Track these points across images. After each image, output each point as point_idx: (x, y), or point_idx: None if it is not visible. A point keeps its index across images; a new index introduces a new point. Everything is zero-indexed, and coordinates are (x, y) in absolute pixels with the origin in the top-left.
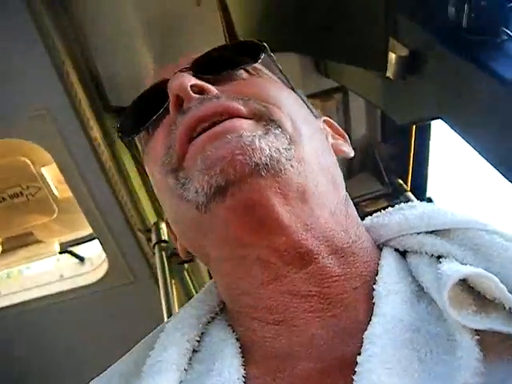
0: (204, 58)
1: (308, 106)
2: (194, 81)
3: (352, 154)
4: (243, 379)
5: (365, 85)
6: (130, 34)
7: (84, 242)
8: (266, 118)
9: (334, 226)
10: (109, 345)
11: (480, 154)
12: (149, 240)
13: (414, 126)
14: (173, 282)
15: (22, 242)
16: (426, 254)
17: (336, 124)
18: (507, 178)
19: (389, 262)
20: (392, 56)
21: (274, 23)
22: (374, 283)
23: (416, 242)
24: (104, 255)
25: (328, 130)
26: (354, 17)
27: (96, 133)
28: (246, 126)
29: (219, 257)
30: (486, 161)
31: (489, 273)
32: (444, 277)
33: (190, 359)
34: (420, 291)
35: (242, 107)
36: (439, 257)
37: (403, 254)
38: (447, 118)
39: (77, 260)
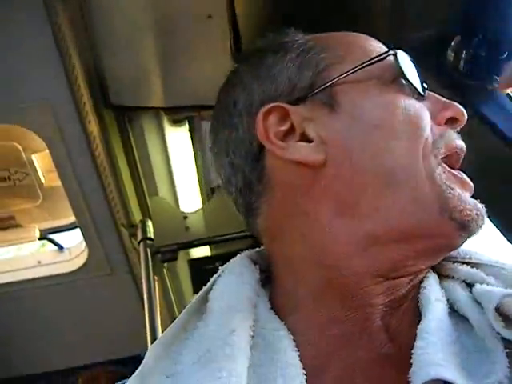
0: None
1: None
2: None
3: None
4: (300, 360)
5: None
6: (139, 34)
7: (64, 231)
8: None
9: None
10: (82, 333)
11: None
12: (132, 236)
13: None
14: (155, 278)
15: (2, 224)
16: (458, 279)
17: None
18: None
19: (432, 275)
20: None
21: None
22: (418, 292)
23: (451, 268)
24: (84, 245)
25: None
26: None
27: (93, 127)
28: None
29: (371, 231)
30: None
31: None
32: (487, 294)
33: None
34: (451, 308)
35: None
36: (469, 285)
37: None
38: None
39: (56, 248)
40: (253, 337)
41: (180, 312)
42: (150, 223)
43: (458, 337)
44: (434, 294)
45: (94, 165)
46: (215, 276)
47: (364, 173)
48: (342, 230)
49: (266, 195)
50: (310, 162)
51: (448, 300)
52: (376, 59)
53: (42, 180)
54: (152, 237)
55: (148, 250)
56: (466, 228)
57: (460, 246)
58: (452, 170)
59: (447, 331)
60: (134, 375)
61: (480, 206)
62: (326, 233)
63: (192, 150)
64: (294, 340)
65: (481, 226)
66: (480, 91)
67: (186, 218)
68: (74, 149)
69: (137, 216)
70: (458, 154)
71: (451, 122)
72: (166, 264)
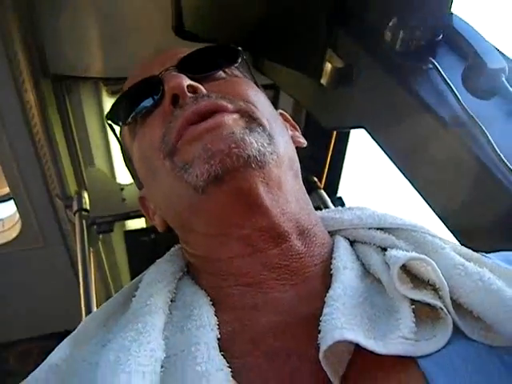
0: (189, 58)
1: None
2: (189, 81)
3: (305, 144)
4: (217, 324)
5: (297, 88)
6: (77, 4)
7: None
8: (247, 116)
9: (300, 210)
10: (15, 307)
11: (392, 161)
12: (67, 207)
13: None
14: (90, 250)
15: None
16: (374, 244)
17: (289, 116)
18: (412, 184)
19: (343, 246)
20: (328, 66)
21: (219, 16)
22: (330, 263)
23: (366, 234)
24: (17, 217)
25: (285, 122)
26: (297, 23)
27: (30, 96)
28: (232, 122)
29: (205, 232)
30: (397, 168)
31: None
32: (394, 258)
33: (169, 307)
34: (366, 272)
35: (229, 105)
36: (384, 249)
37: (350, 243)
38: (369, 128)
39: None
40: (174, 301)
41: (114, 285)
42: (85, 195)
43: (369, 298)
44: (342, 263)
45: (30, 135)
46: (152, 265)
47: (166, 212)
48: (191, 242)
49: None
50: (163, 229)
51: (364, 264)
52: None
53: None
54: (88, 208)
55: (83, 222)
56: (221, 177)
57: (251, 179)
58: (188, 131)
59: (355, 295)
60: (66, 338)
61: (220, 143)
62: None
63: None
64: (212, 304)
65: (231, 154)
66: (415, 72)
67: (122, 189)
68: (8, 118)
69: (72, 187)
70: (192, 116)
71: (175, 100)
72: (101, 236)
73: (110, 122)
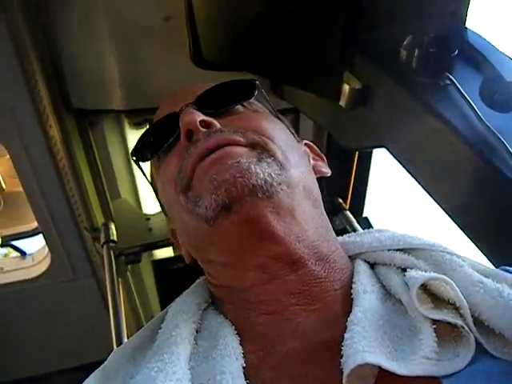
0: (206, 95)
1: (292, 133)
2: (201, 117)
3: (329, 173)
4: (242, 353)
5: (316, 110)
6: (97, 38)
7: (27, 237)
8: (260, 148)
9: (319, 237)
10: (47, 340)
11: (415, 179)
12: (95, 239)
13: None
14: (119, 280)
15: None
16: (395, 266)
17: (315, 146)
18: (437, 203)
19: (363, 270)
20: (346, 87)
21: (236, 44)
22: (351, 287)
23: (386, 256)
24: (46, 251)
25: (309, 152)
26: (313, 47)
27: (54, 131)
28: (242, 152)
29: (222, 262)
30: (420, 186)
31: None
32: (413, 279)
33: (194, 337)
34: (387, 293)
35: (241, 139)
36: (405, 270)
37: (371, 265)
38: (390, 147)
39: (19, 254)
40: (199, 331)
41: (145, 314)
42: (112, 226)
43: (390, 319)
44: (362, 287)
45: (56, 169)
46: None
47: (180, 235)
48: (209, 270)
49: None
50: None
51: (384, 286)
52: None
53: (3, 186)
54: (115, 239)
55: (111, 253)
56: (229, 206)
57: (259, 207)
58: (200, 169)
59: (376, 318)
60: (95, 371)
61: (225, 173)
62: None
63: None
64: (237, 334)
65: (236, 183)
66: (433, 88)
67: (148, 219)
68: (35, 153)
69: (99, 219)
70: (202, 152)
71: (190, 136)
72: (129, 266)
73: (134, 158)
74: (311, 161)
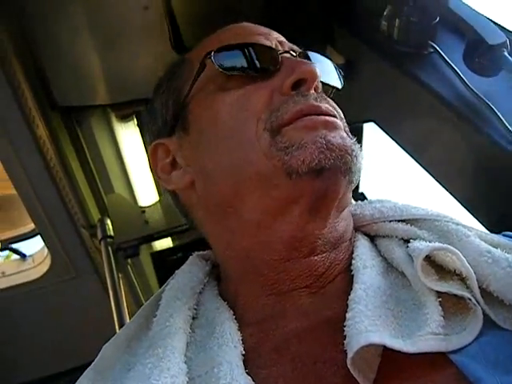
0: (307, 57)
1: None
2: (319, 78)
3: None
4: (241, 339)
5: None
6: (76, 32)
7: (25, 239)
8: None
9: (347, 226)
10: (53, 340)
11: (405, 150)
12: (92, 236)
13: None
14: (119, 275)
15: None
16: (397, 237)
17: None
18: (428, 172)
19: (363, 244)
20: None
21: (215, 28)
22: (351, 263)
23: (388, 228)
24: (46, 251)
25: None
26: (294, 21)
27: (41, 131)
28: (345, 135)
29: (257, 221)
30: (412, 158)
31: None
32: (417, 250)
33: (191, 325)
34: (389, 267)
35: (339, 122)
36: (407, 241)
37: (371, 238)
38: (378, 120)
39: (19, 257)
40: (196, 318)
41: None
42: (108, 221)
43: (393, 294)
44: (361, 262)
45: (47, 169)
46: (170, 278)
47: (220, 178)
48: (234, 230)
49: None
50: (180, 187)
51: (386, 259)
52: (200, 67)
53: None
54: (112, 235)
55: (109, 248)
56: (321, 171)
57: (340, 188)
58: (304, 121)
59: (377, 294)
60: (87, 369)
61: (340, 141)
62: (230, 236)
63: (142, 143)
64: (235, 318)
65: (344, 158)
66: (416, 57)
67: (143, 212)
68: (24, 154)
69: (95, 216)
70: (313, 108)
71: (298, 84)
72: (129, 260)
73: (211, 57)
74: None
